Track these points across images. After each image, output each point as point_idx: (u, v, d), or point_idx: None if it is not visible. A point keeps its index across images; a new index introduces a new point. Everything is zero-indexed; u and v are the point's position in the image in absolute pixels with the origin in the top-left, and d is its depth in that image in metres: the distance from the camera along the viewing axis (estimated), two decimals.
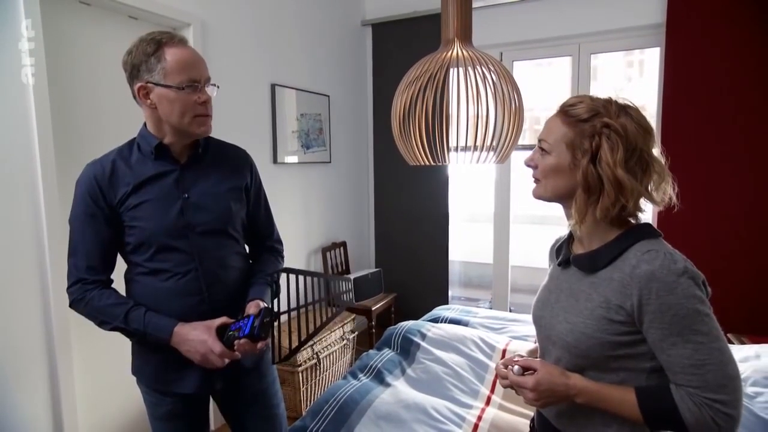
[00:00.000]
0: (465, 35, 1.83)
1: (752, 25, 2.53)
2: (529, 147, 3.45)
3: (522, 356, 1.01)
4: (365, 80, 3.72)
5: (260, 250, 1.35)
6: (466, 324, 2.41)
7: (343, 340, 2.88)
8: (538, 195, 0.95)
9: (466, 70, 1.70)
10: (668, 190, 0.87)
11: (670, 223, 2.47)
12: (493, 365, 1.91)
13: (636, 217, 0.88)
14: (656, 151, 0.88)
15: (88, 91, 1.93)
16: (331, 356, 2.78)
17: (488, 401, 1.71)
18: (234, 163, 1.29)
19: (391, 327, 2.27)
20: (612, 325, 0.83)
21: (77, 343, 1.87)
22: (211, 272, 1.17)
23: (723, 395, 0.77)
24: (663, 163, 0.87)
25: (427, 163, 1.82)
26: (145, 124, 1.18)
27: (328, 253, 3.26)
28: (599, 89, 3.10)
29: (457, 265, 4.22)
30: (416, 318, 2.52)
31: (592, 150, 0.84)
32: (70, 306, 1.14)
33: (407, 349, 2.05)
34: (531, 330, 2.33)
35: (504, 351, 2.00)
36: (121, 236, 1.14)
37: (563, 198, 0.92)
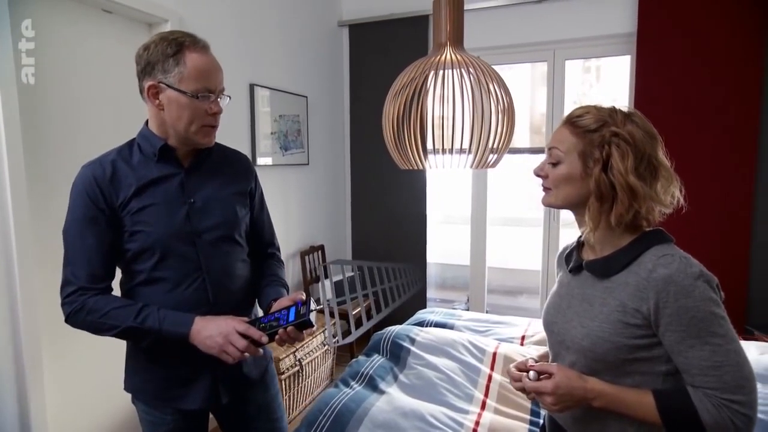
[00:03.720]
0: (457, 39, 1.83)
1: (721, 35, 2.65)
2: (518, 151, 3.51)
3: (534, 360, 1.01)
4: (342, 81, 3.68)
5: (262, 257, 1.30)
6: (451, 327, 2.41)
7: (324, 345, 2.83)
8: (549, 203, 0.97)
9: (461, 73, 1.69)
10: (675, 193, 0.90)
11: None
12: (485, 369, 1.92)
13: (648, 222, 0.90)
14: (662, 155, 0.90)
15: (60, 88, 1.80)
16: (313, 362, 2.72)
17: (483, 406, 1.71)
18: (237, 167, 1.24)
19: (378, 332, 2.25)
20: (628, 328, 0.85)
21: (48, 357, 1.74)
22: (218, 281, 1.12)
23: (741, 396, 0.79)
24: (669, 166, 0.90)
25: (422, 167, 1.81)
26: (146, 123, 1.12)
27: (306, 257, 3.19)
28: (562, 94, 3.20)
29: (432, 267, 4.25)
30: (396, 321, 2.50)
31: (602, 159, 0.86)
32: (68, 320, 1.04)
33: (397, 355, 2.03)
34: (516, 332, 2.36)
35: (494, 354, 2.01)
36: (121, 242, 1.07)
37: (574, 206, 0.94)
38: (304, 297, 1.06)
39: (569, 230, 3.69)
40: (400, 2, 3.39)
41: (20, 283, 1.60)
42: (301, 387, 2.62)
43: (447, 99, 1.68)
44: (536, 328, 2.39)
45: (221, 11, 2.48)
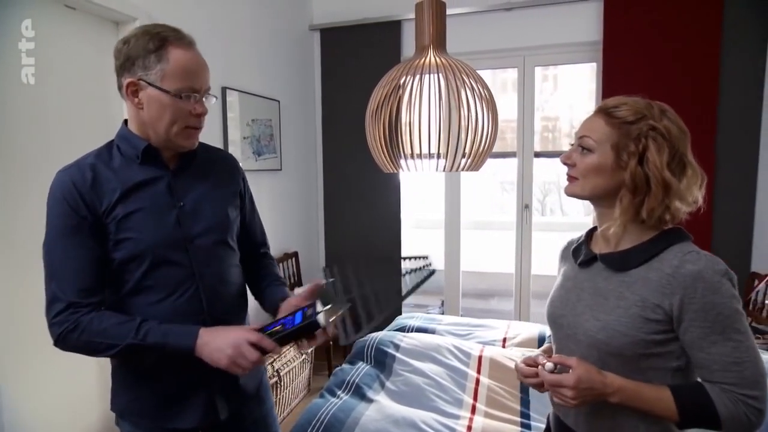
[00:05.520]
0: (439, 42, 1.83)
1: (685, 42, 2.78)
2: (500, 155, 3.54)
3: (532, 355, 0.99)
4: (314, 86, 3.63)
5: (255, 258, 1.24)
6: (432, 332, 2.40)
7: (302, 355, 2.75)
8: (573, 193, 0.96)
9: (446, 76, 1.69)
10: (697, 193, 0.90)
11: None
12: (472, 373, 1.91)
13: (674, 218, 0.90)
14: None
15: (21, 88, 1.68)
16: (291, 372, 2.64)
17: (474, 410, 1.70)
18: (225, 167, 1.18)
19: (361, 339, 2.21)
20: (647, 323, 0.85)
21: (12, 373, 1.60)
22: (212, 288, 1.05)
23: (757, 391, 0.81)
24: (697, 166, 0.90)
25: (403, 170, 1.79)
26: (125, 123, 1.04)
27: (281, 264, 3.11)
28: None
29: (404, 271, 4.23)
30: (375, 327, 2.47)
31: (638, 152, 0.86)
32: (58, 342, 0.94)
33: (382, 362, 2.00)
34: (497, 335, 2.38)
35: (480, 358, 2.00)
36: (106, 252, 0.98)
37: (600, 197, 0.93)
38: (307, 302, 1.01)
39: (541, 233, 3.76)
40: (372, 7, 3.38)
41: None
42: (281, 398, 2.53)
43: (438, 101, 1.66)
44: (516, 330, 2.41)
45: (192, 11, 2.40)
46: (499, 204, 6.49)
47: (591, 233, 1.03)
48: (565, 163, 0.96)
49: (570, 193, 0.96)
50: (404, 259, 1.16)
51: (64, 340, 0.94)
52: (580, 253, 1.01)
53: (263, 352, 0.94)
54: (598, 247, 0.98)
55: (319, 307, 0.98)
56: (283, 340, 0.95)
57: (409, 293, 1.09)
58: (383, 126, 1.75)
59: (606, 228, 0.92)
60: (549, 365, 0.87)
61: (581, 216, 6.50)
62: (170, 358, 0.96)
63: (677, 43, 2.79)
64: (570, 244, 1.09)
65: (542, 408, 1.68)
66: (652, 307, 0.85)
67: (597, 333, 0.89)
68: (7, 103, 1.64)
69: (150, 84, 0.96)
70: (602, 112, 0.92)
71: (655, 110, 0.89)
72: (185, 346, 0.95)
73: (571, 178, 0.96)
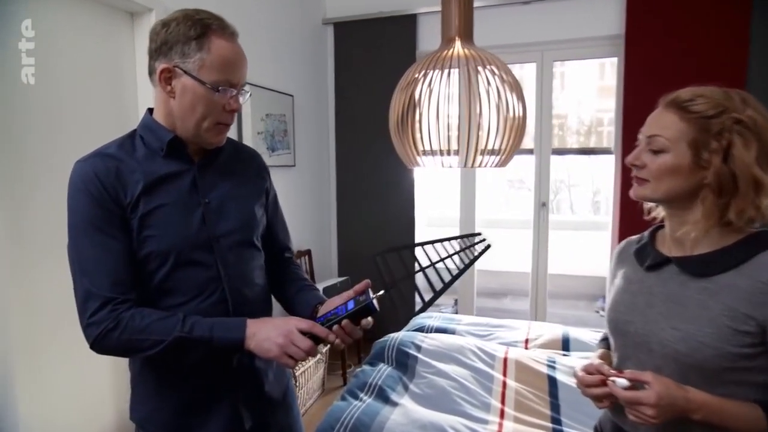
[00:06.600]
0: (467, 33, 1.77)
1: (709, 36, 2.70)
2: (496, 153, 3.48)
3: (593, 363, 0.91)
4: (327, 81, 3.57)
5: (279, 262, 1.18)
6: (452, 332, 2.34)
7: (317, 354, 2.70)
8: (643, 196, 0.88)
9: (475, 68, 1.63)
10: None
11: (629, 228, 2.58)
12: (498, 375, 1.85)
13: (764, 218, 0.82)
14: None
15: (26, 86, 1.62)
16: (306, 373, 2.59)
17: (502, 414, 1.65)
18: (251, 164, 1.13)
19: (380, 339, 2.15)
20: (736, 335, 0.78)
21: (21, 373, 1.55)
22: (238, 290, 1.00)
23: None
24: None
25: (426, 167, 1.74)
26: (150, 112, 0.98)
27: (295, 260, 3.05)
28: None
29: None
30: (389, 328, 2.40)
31: (722, 148, 0.78)
32: (95, 344, 0.87)
33: (404, 363, 1.94)
34: (519, 335, 2.31)
35: (505, 360, 1.94)
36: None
37: (675, 200, 0.85)
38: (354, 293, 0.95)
39: (558, 232, 3.70)
40: (387, 0, 3.31)
41: None
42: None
43: (468, 96, 1.60)
44: (537, 331, 2.35)
45: (205, 3, 2.32)
46: (508, 201, 6.43)
47: (654, 233, 0.97)
48: (633, 165, 0.88)
49: (639, 196, 0.89)
50: (449, 239, 1.12)
51: (102, 341, 0.87)
52: (646, 255, 0.93)
53: (316, 341, 0.88)
54: (667, 249, 0.91)
55: (371, 293, 0.92)
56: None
57: (465, 269, 1.05)
58: (409, 121, 1.69)
59: (685, 232, 0.84)
60: (623, 382, 0.80)
61: (591, 215, 6.45)
62: (217, 353, 0.91)
63: (704, 34, 2.71)
64: (629, 244, 1.01)
65: (573, 413, 1.62)
66: (743, 318, 0.77)
67: (676, 344, 0.82)
68: (11, 101, 1.59)
69: (186, 72, 0.90)
70: (675, 106, 0.84)
71: (736, 100, 0.81)
72: (234, 338, 0.89)
73: (639, 180, 0.88)
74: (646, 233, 0.98)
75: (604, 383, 0.85)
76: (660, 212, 0.95)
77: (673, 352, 0.82)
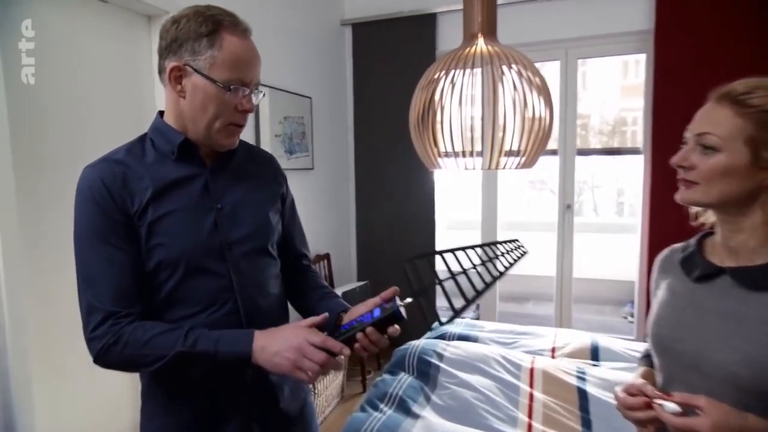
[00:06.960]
0: (490, 29, 1.70)
1: (740, 31, 2.58)
2: (517, 154, 3.39)
3: (636, 383, 0.83)
4: (345, 82, 3.53)
5: (296, 270, 1.12)
6: (475, 339, 2.26)
7: (340, 368, 2.65)
8: (693, 201, 0.80)
9: (500, 69, 1.56)
10: None
11: (660, 231, 2.46)
12: (524, 387, 1.77)
13: None
14: None
15: (53, 84, 1.61)
16: (325, 380, 2.54)
17: (530, 429, 1.57)
18: (266, 167, 1.08)
19: (401, 347, 2.09)
20: None
21: (38, 375, 1.53)
22: (252, 301, 0.95)
23: None
24: None
25: (449, 169, 1.67)
26: (160, 114, 0.95)
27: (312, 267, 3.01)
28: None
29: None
30: (410, 335, 2.33)
31: None
32: (98, 359, 0.84)
33: (426, 373, 1.87)
34: (545, 344, 2.23)
35: (531, 370, 1.86)
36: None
37: (730, 205, 0.77)
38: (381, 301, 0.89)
39: (582, 234, 3.58)
40: (405, 0, 3.26)
41: (6, 295, 1.40)
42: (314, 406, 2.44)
43: (493, 96, 1.53)
44: (564, 339, 2.26)
45: (223, 5, 2.31)
46: (529, 203, 6.30)
47: (701, 240, 0.88)
48: (680, 167, 0.80)
49: (687, 200, 0.81)
50: (490, 245, 1.05)
51: (105, 356, 0.83)
52: (694, 266, 0.85)
53: (331, 354, 0.83)
54: (719, 259, 0.82)
55: (398, 300, 0.86)
56: (352, 339, 0.84)
57: (500, 276, 0.99)
58: (430, 121, 1.63)
59: (742, 241, 0.76)
60: (673, 407, 0.73)
61: (615, 217, 6.27)
62: (222, 368, 0.86)
63: (739, 27, 2.58)
64: (673, 252, 0.93)
65: (606, 428, 1.53)
66: None
67: (734, 366, 0.74)
68: (11, 102, 1.58)
69: (196, 71, 0.86)
70: (729, 100, 0.76)
71: None
72: (241, 352, 0.83)
73: (687, 182, 0.79)
74: (692, 240, 0.89)
75: (648, 406, 0.77)
76: (709, 217, 0.87)
77: (732, 375, 0.74)
